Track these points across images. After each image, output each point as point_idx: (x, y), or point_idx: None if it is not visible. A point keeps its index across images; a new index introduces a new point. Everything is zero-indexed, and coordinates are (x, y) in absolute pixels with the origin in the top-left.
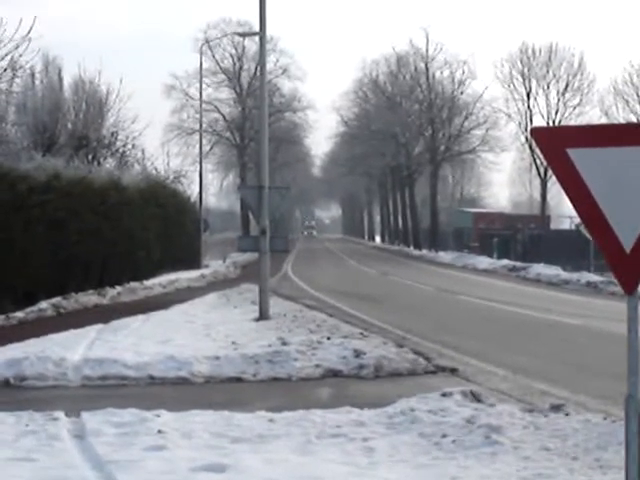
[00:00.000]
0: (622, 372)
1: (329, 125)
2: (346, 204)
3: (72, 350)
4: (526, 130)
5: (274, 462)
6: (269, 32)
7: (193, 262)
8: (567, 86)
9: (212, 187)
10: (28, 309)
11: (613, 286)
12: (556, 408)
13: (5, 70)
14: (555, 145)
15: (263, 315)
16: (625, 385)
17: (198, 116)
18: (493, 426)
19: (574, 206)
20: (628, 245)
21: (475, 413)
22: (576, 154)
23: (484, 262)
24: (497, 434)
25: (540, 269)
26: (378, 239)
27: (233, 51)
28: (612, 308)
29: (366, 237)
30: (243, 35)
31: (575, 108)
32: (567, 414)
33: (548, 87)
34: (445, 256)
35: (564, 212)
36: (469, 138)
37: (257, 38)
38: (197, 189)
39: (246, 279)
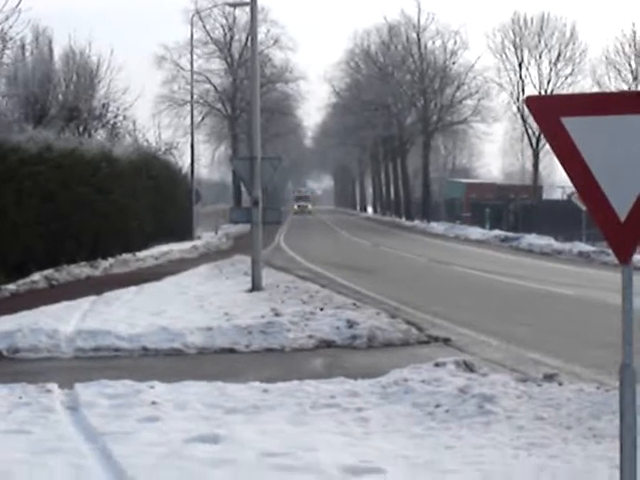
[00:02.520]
0: (615, 341)
1: (321, 96)
2: (338, 175)
3: (65, 322)
4: (518, 100)
5: (268, 433)
6: (260, 2)
7: (185, 234)
8: (559, 56)
9: (204, 158)
10: (20, 281)
11: (605, 256)
12: (549, 377)
13: None
14: (549, 114)
15: (256, 286)
16: (618, 354)
17: (189, 87)
18: (486, 396)
19: (568, 175)
20: (622, 214)
21: (468, 383)
22: (570, 123)
23: (476, 232)
24: (490, 404)
25: (532, 239)
26: (370, 210)
27: (224, 21)
28: (604, 278)
29: (358, 208)
30: (234, 5)
31: (567, 78)
32: (560, 383)
33: (540, 57)
34: (437, 227)
35: (556, 182)
36: (461, 108)
37: (248, 8)
38: (189, 161)
39: (238, 250)
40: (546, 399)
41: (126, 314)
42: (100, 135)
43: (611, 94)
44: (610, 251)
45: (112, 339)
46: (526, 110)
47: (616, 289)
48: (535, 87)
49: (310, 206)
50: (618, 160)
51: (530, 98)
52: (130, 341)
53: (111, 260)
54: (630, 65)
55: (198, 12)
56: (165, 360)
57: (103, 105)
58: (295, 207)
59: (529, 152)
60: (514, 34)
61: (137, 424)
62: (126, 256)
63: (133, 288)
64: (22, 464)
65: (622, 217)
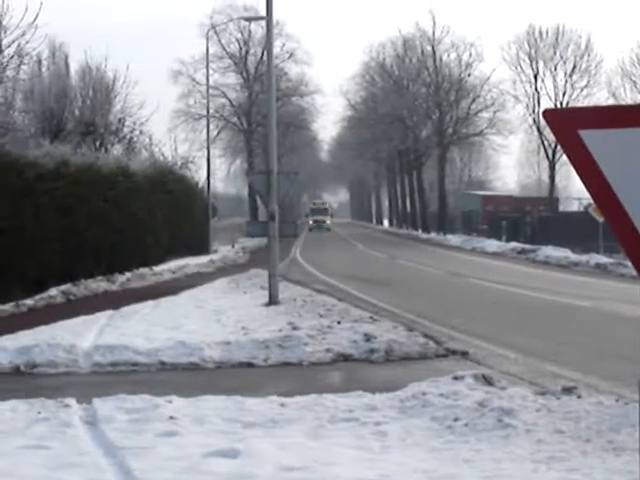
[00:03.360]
0: (633, 354)
1: (336, 109)
2: (354, 188)
3: (82, 337)
4: (534, 112)
5: (287, 447)
6: (275, 16)
7: (202, 248)
8: (574, 67)
9: (220, 172)
10: (37, 296)
11: (622, 268)
12: (568, 390)
13: (12, 57)
14: (567, 127)
15: (273, 300)
16: (636, 367)
17: (205, 101)
18: (505, 409)
19: (587, 189)
20: None
21: (487, 396)
22: (588, 136)
23: (493, 245)
24: (509, 417)
25: (549, 251)
26: (386, 223)
27: (239, 36)
28: (622, 290)
29: (374, 221)
30: (249, 20)
31: (582, 90)
32: (579, 396)
33: (555, 69)
34: (454, 239)
35: (572, 194)
36: (477, 121)
37: (263, 22)
38: (205, 175)
39: (255, 264)
40: (565, 412)
41: (143, 328)
42: (117, 150)
43: (629, 106)
44: (627, 263)
45: (130, 354)
46: (542, 122)
47: (633, 301)
48: (550, 99)
49: (329, 221)
50: (637, 172)
51: (547, 111)
52: (148, 355)
53: (128, 274)
54: None
55: (214, 27)
56: (183, 374)
57: (119, 120)
58: (310, 222)
59: (545, 164)
60: (529, 46)
61: (155, 439)
62: (143, 270)
63: (150, 302)
64: (41, 479)
65: None
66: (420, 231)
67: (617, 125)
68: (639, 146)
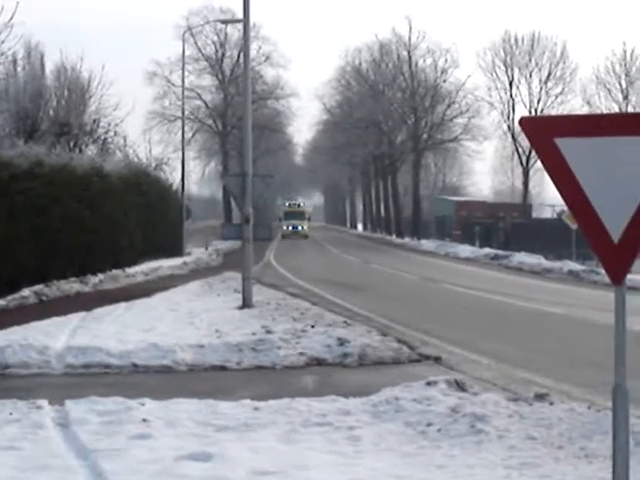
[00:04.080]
0: (605, 361)
1: (312, 113)
2: (329, 192)
3: (55, 338)
4: (508, 119)
5: (259, 451)
6: (252, 19)
7: (175, 250)
8: (549, 75)
9: (194, 174)
10: (10, 297)
11: (595, 275)
12: (540, 397)
13: None
14: (543, 135)
15: (246, 303)
16: (607, 374)
17: (180, 103)
18: (478, 415)
19: (562, 196)
20: (616, 235)
21: (460, 402)
22: (564, 144)
23: (466, 250)
24: (482, 423)
25: (522, 257)
26: (360, 227)
27: (215, 38)
28: (594, 297)
29: (348, 225)
30: (226, 22)
31: (557, 97)
32: (551, 403)
33: (530, 76)
34: (427, 244)
35: (546, 200)
36: (451, 126)
37: (239, 25)
38: (179, 176)
39: (229, 267)
40: (537, 419)
41: (116, 330)
42: (91, 151)
43: (604, 115)
44: (600, 270)
45: (102, 356)
46: (516, 129)
47: (605, 308)
48: (525, 106)
49: (306, 226)
50: (611, 181)
51: (524, 119)
52: (120, 358)
53: (101, 276)
54: (620, 84)
55: (190, 29)
56: (155, 377)
57: (94, 121)
58: (284, 227)
59: (519, 170)
60: (505, 53)
61: (128, 441)
62: (116, 272)
63: (123, 304)
64: None
65: (615, 238)
66: (394, 236)
67: (592, 134)
68: (614, 154)
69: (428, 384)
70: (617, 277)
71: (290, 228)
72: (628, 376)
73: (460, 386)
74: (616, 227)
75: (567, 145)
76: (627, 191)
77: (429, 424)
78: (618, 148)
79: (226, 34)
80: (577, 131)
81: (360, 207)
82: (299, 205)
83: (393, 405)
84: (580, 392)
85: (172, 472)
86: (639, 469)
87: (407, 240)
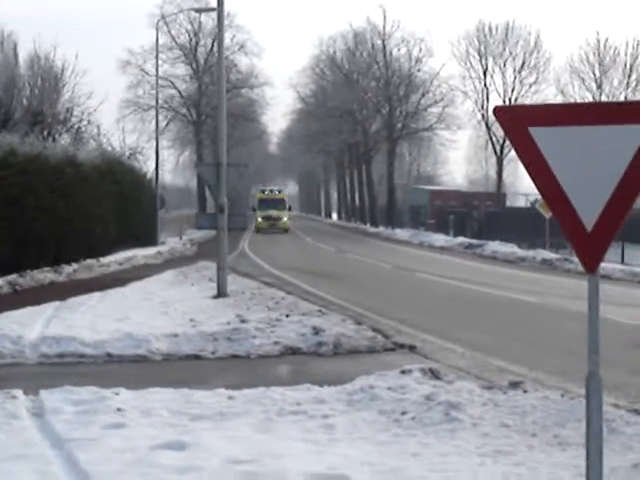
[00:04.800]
0: (578, 349)
1: (286, 102)
2: (303, 181)
3: (29, 328)
4: (482, 108)
5: (234, 439)
6: (226, 8)
7: (150, 239)
8: (523, 64)
9: (168, 164)
10: None
11: (568, 263)
12: (514, 385)
13: None
14: (517, 124)
15: (221, 292)
16: (581, 362)
17: (154, 92)
18: (452, 403)
19: (536, 185)
20: (589, 224)
21: (434, 390)
22: (538, 133)
23: (440, 239)
24: (456, 411)
25: (496, 246)
26: (335, 216)
27: (189, 27)
28: (567, 285)
29: (323, 214)
30: (200, 11)
31: (531, 86)
32: (525, 391)
33: (504, 65)
34: (402, 233)
35: (520, 190)
36: (426, 116)
37: (214, 14)
38: (153, 166)
39: (203, 256)
40: (511, 407)
41: (90, 320)
42: (64, 140)
43: (578, 105)
44: (573, 258)
45: (77, 345)
46: (490, 118)
47: (579, 296)
48: (499, 95)
49: (286, 217)
50: (585, 170)
51: (498, 108)
52: (95, 347)
53: (75, 265)
54: (594, 74)
55: (164, 17)
56: (130, 366)
57: (67, 109)
58: (258, 219)
59: (493, 160)
60: (479, 42)
61: (102, 431)
62: (90, 261)
63: (97, 294)
64: None
65: (589, 227)
66: (368, 225)
67: (566, 123)
68: (588, 144)
69: (402, 372)
70: (590, 265)
71: (266, 220)
72: (601, 364)
73: (434, 374)
74: (590, 216)
75: (541, 134)
76: (601, 180)
77: (403, 412)
78: (592, 137)
79: (200, 23)
80: (551, 120)
81: (335, 196)
82: (278, 192)
83: (367, 393)
84: (554, 380)
85: (147, 461)
86: (613, 456)
87: (381, 229)
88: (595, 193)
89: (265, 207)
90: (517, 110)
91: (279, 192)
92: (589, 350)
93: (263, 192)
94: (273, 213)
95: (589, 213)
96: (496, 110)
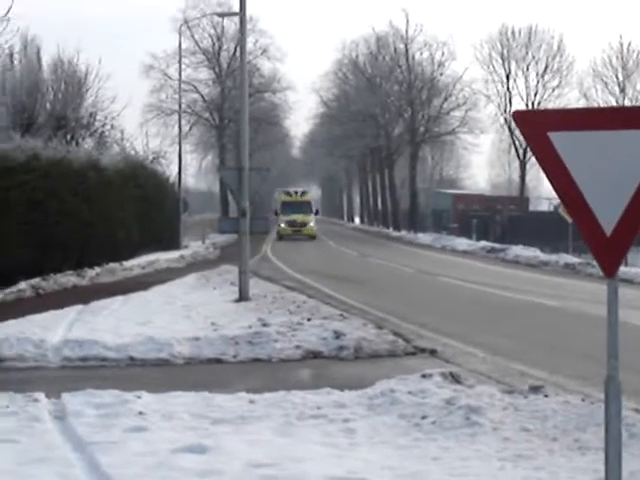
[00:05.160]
0: (599, 354)
1: (309, 106)
2: (325, 185)
3: (52, 331)
4: (505, 112)
5: (255, 443)
6: (248, 12)
7: (172, 243)
8: (546, 68)
9: (191, 168)
10: (7, 290)
11: (590, 267)
12: (535, 389)
13: None
14: (537, 128)
15: (243, 296)
16: (602, 366)
17: (177, 96)
18: (473, 407)
19: (555, 190)
20: (609, 229)
21: (455, 394)
22: (557, 137)
23: (463, 243)
24: (477, 415)
25: (519, 251)
26: (357, 220)
27: (212, 31)
28: (590, 290)
29: (345, 218)
30: (222, 15)
31: (554, 90)
32: (546, 395)
33: (527, 69)
34: (424, 237)
35: (543, 194)
36: (448, 119)
37: (236, 18)
38: (176, 170)
39: (225, 260)
40: (532, 411)
41: (113, 324)
42: (88, 144)
43: (597, 109)
44: (595, 263)
45: (99, 349)
46: (513, 122)
47: (600, 301)
48: (522, 99)
49: (313, 223)
50: (604, 175)
51: (517, 112)
52: (117, 351)
53: (98, 269)
54: (617, 78)
55: (187, 22)
56: (152, 370)
57: (91, 114)
58: (281, 225)
59: (516, 163)
60: (502, 46)
61: (124, 434)
62: (113, 265)
63: (120, 297)
64: (8, 474)
65: (608, 231)
66: (391, 229)
67: (585, 128)
68: (607, 148)
69: (423, 377)
70: (609, 270)
71: (289, 225)
72: (620, 368)
73: (455, 378)
74: (609, 220)
75: (560, 139)
76: (620, 185)
77: (424, 416)
78: (611, 142)
79: (223, 27)
80: (570, 125)
81: (357, 200)
82: (302, 193)
83: (388, 398)
84: (575, 384)
85: (168, 464)
86: (632, 460)
87: (404, 233)
88: (614, 198)
89: (289, 211)
90: (536, 115)
91: (304, 194)
92: (608, 355)
93: (287, 194)
94: (298, 218)
95: (608, 218)
96: (515, 115)
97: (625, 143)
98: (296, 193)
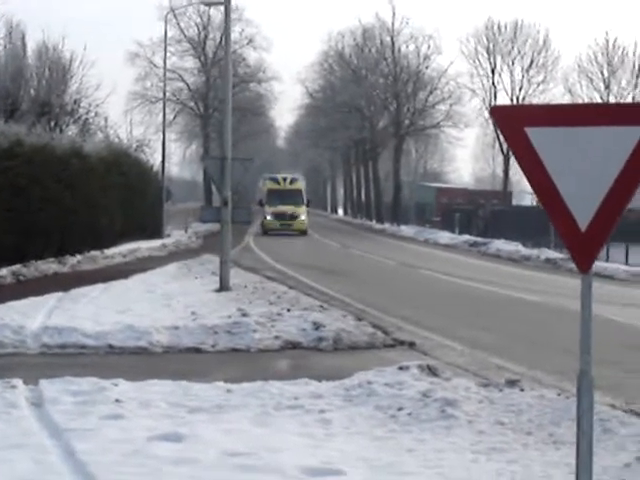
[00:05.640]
0: (577, 349)
1: (294, 97)
2: (309, 176)
3: (31, 318)
4: (490, 106)
5: (231, 432)
6: (234, 1)
7: (155, 231)
8: (532, 63)
9: (175, 156)
10: None
11: (571, 263)
12: (511, 383)
13: None
14: (514, 124)
15: (223, 286)
16: (579, 361)
17: (162, 85)
18: (448, 400)
19: (531, 185)
20: (583, 224)
21: (431, 387)
22: (534, 133)
23: (445, 237)
24: (452, 408)
25: (501, 245)
26: (341, 212)
27: (198, 20)
28: (570, 284)
29: (329, 210)
30: (208, 4)
31: (539, 85)
32: (522, 389)
33: (513, 63)
34: (407, 230)
35: (526, 188)
36: (433, 113)
37: (222, 7)
38: (160, 158)
39: (207, 250)
40: (507, 404)
41: (93, 311)
42: (71, 131)
43: (574, 105)
44: None
45: (78, 336)
46: (491, 117)
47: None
48: (507, 93)
49: (304, 216)
50: (580, 171)
51: (495, 108)
52: (96, 338)
53: (79, 257)
54: (602, 74)
55: (173, 10)
56: (130, 358)
57: (75, 101)
58: (267, 217)
59: (500, 158)
60: (487, 40)
61: (101, 421)
62: (94, 253)
63: (100, 285)
64: None
65: (583, 227)
66: (374, 221)
67: (562, 123)
68: (583, 144)
69: (400, 369)
70: (584, 265)
71: (277, 218)
72: (594, 363)
73: (432, 371)
74: (584, 216)
75: (537, 134)
76: (595, 181)
77: (400, 408)
78: (587, 138)
79: (209, 16)
80: (547, 121)
81: (341, 191)
82: (292, 180)
83: (365, 389)
84: (551, 379)
85: (144, 452)
86: (606, 456)
87: (387, 226)
88: (589, 194)
89: (277, 201)
90: (514, 110)
91: (294, 181)
92: (581, 350)
93: (274, 181)
94: (287, 209)
95: (583, 213)
96: (493, 110)
97: (601, 140)
98: (285, 180)
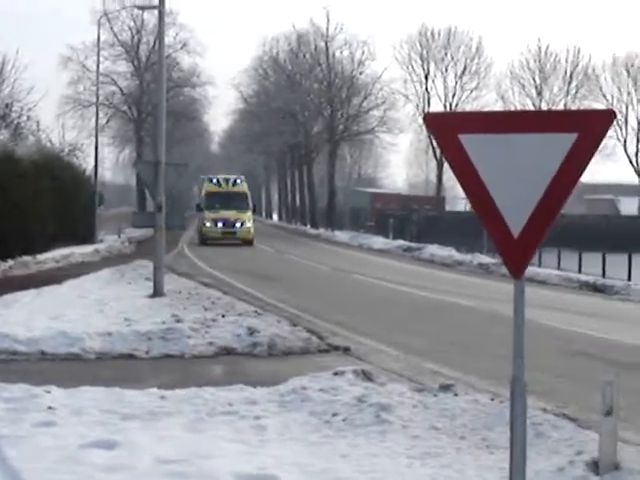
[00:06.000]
0: (511, 354)
1: (228, 101)
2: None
3: None
4: (423, 112)
5: (165, 439)
6: (168, 5)
7: (87, 237)
8: (465, 69)
9: (108, 161)
10: None
11: (504, 268)
12: (445, 388)
13: None
14: (447, 131)
15: (157, 292)
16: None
17: (95, 89)
18: (383, 405)
19: (464, 191)
20: (516, 230)
21: (366, 392)
22: (467, 140)
23: (379, 242)
24: (387, 413)
25: (434, 250)
26: (275, 217)
27: (132, 24)
28: (503, 289)
29: (264, 215)
30: (142, 8)
31: (472, 92)
32: (456, 394)
33: (446, 70)
34: (341, 235)
35: (459, 194)
36: (367, 118)
37: (156, 11)
38: (92, 163)
39: (141, 255)
40: (441, 409)
41: (25, 317)
42: (3, 135)
43: (507, 113)
44: None
45: (9, 342)
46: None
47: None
48: (440, 100)
49: (250, 223)
50: (513, 178)
51: (429, 115)
52: (28, 345)
53: (10, 262)
54: (534, 80)
55: (106, 14)
56: (63, 365)
57: (7, 105)
58: (207, 224)
59: (433, 163)
60: (421, 46)
61: (32, 428)
62: (26, 258)
63: (32, 291)
64: None
65: (516, 233)
66: (309, 226)
67: (495, 130)
68: (515, 151)
69: (335, 374)
70: (517, 271)
71: (219, 225)
72: (534, 369)
73: (367, 376)
74: (517, 223)
75: (470, 141)
76: (528, 187)
77: (335, 414)
78: (520, 145)
79: (143, 20)
80: (480, 128)
81: (276, 196)
82: (235, 182)
83: (300, 395)
84: (485, 384)
85: (76, 459)
86: (539, 460)
87: (322, 231)
88: (522, 200)
89: (217, 205)
90: (447, 117)
91: (237, 183)
92: (514, 355)
93: (215, 183)
94: (230, 215)
95: (516, 220)
96: (426, 117)
97: (534, 146)
98: (227, 182)
